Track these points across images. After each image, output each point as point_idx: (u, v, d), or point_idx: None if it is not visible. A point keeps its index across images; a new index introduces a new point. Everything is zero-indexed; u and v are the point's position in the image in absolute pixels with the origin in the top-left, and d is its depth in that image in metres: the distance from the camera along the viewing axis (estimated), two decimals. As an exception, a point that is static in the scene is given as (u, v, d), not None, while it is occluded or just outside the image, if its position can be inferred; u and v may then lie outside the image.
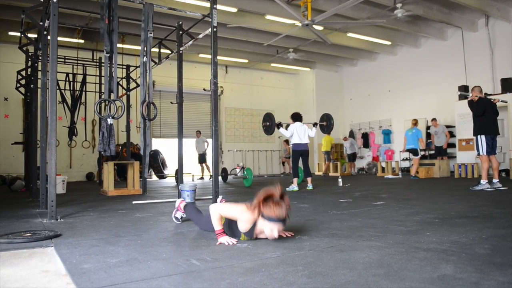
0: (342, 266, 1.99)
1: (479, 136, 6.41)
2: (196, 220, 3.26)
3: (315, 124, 8.02)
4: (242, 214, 2.63)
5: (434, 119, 11.64)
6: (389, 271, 1.89)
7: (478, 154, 6.52)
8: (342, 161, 14.77)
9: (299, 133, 7.43)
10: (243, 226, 2.65)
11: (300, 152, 7.49)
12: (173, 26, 6.77)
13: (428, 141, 12.03)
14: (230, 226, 2.74)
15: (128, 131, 8.58)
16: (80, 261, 2.21)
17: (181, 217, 3.59)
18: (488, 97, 7.15)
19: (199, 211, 3.38)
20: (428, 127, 11.81)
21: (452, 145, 12.06)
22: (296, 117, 7.68)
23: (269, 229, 2.52)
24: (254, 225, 2.62)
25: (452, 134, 12.07)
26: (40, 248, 2.58)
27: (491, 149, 6.38)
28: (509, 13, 11.19)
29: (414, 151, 10.29)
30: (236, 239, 2.64)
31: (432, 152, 11.89)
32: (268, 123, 7.98)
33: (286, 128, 7.70)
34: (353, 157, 14.18)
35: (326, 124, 8.36)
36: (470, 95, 6.75)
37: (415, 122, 10.68)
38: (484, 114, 6.40)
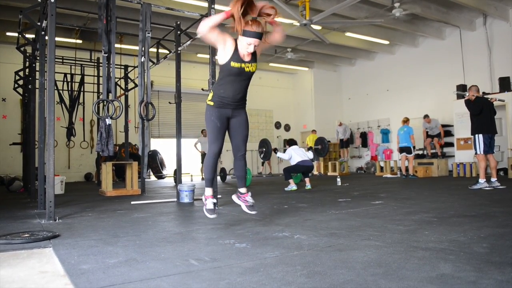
0: (341, 266, 1.99)
1: (476, 135, 6.42)
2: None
3: (310, 148, 8.09)
4: (224, 40, 2.99)
5: (426, 116, 11.52)
6: (387, 270, 1.89)
7: (476, 153, 6.53)
8: (341, 162, 14.77)
9: (299, 153, 7.48)
10: (229, 49, 3.01)
11: (305, 168, 7.47)
12: (171, 26, 6.76)
13: (429, 139, 11.99)
14: (226, 69, 3.09)
15: (126, 131, 8.56)
16: (79, 261, 2.21)
17: (215, 205, 3.30)
18: (485, 96, 7.15)
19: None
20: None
21: (450, 144, 12.07)
22: (292, 143, 7.88)
23: (246, 44, 2.92)
24: (236, 48, 3.00)
25: (450, 133, 12.08)
26: (39, 249, 2.57)
27: (489, 148, 6.39)
28: (507, 12, 11.20)
29: (407, 149, 10.29)
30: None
31: (430, 152, 11.86)
32: (264, 149, 8.15)
33: (284, 152, 7.85)
34: (346, 143, 14.25)
35: (321, 147, 8.45)
36: (467, 94, 6.75)
37: (406, 120, 10.69)
38: (481, 113, 6.40)
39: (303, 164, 7.43)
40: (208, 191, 3.33)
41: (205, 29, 2.89)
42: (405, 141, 10.30)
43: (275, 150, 7.87)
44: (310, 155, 7.74)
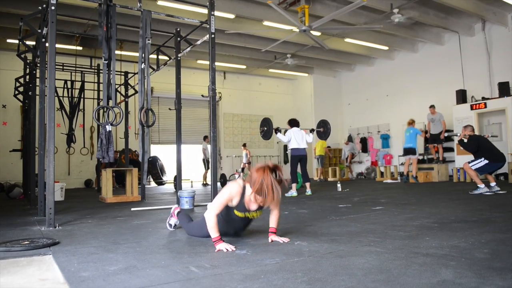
0: (342, 272, 1.98)
1: (483, 158, 6.31)
2: (188, 228, 3.23)
3: (312, 130, 8.01)
4: (230, 192, 2.74)
5: (432, 106, 11.44)
6: (388, 276, 1.88)
7: (468, 162, 6.45)
8: (341, 166, 14.75)
9: (297, 138, 7.42)
10: (234, 201, 2.77)
11: (299, 157, 7.47)
12: (171, 32, 6.79)
13: (426, 145, 12.01)
14: (227, 213, 2.82)
15: (126, 138, 8.57)
16: (79, 269, 2.20)
17: (175, 224, 3.56)
18: (477, 134, 7.07)
19: (191, 219, 3.35)
20: (426, 132, 11.81)
21: (450, 149, 12.07)
22: (293, 123, 7.66)
23: (254, 199, 2.69)
24: (242, 197, 2.76)
25: (450, 138, 12.07)
26: (38, 256, 2.57)
27: (489, 172, 6.36)
28: (505, 18, 11.25)
29: (412, 151, 10.30)
30: (233, 246, 2.63)
31: (430, 157, 11.88)
32: (265, 128, 7.97)
33: (284, 134, 7.69)
34: (352, 156, 14.35)
35: (323, 130, 8.38)
36: (459, 134, 6.72)
37: (411, 122, 10.69)
38: (480, 148, 6.34)
39: (297, 153, 7.45)
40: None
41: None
42: (411, 142, 10.31)
43: (276, 131, 7.77)
44: (309, 138, 7.64)
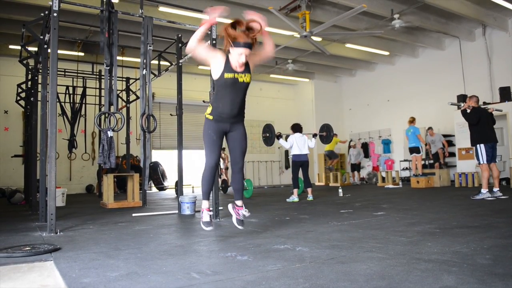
0: (343, 278, 1.98)
1: (478, 145, 6.37)
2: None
3: (314, 135, 8.02)
4: (214, 54, 3.12)
5: (430, 128, 11.61)
6: (390, 283, 1.88)
7: (479, 163, 6.47)
8: (342, 171, 14.72)
9: (299, 144, 7.43)
10: (220, 63, 3.10)
11: (300, 163, 7.49)
12: (172, 38, 6.82)
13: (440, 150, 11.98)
14: (219, 84, 3.15)
15: (127, 143, 8.57)
16: (80, 275, 2.20)
17: (211, 217, 3.29)
18: (482, 106, 7.08)
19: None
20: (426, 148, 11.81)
21: (452, 154, 12.05)
22: (296, 128, 7.69)
23: (237, 54, 3.01)
24: (228, 59, 3.09)
25: (451, 143, 12.06)
26: (40, 262, 2.56)
27: (492, 157, 6.34)
28: (505, 23, 11.28)
29: (416, 149, 10.33)
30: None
31: (431, 161, 11.87)
32: (268, 134, 7.98)
33: (286, 139, 7.70)
34: (358, 166, 14.13)
35: (326, 134, 8.38)
36: (462, 104, 6.71)
37: (412, 120, 10.71)
38: (479, 122, 6.33)
39: (298, 159, 7.47)
40: (205, 203, 3.34)
41: (194, 43, 3.02)
42: (414, 141, 10.35)
43: (279, 137, 7.77)
44: (311, 144, 7.63)
